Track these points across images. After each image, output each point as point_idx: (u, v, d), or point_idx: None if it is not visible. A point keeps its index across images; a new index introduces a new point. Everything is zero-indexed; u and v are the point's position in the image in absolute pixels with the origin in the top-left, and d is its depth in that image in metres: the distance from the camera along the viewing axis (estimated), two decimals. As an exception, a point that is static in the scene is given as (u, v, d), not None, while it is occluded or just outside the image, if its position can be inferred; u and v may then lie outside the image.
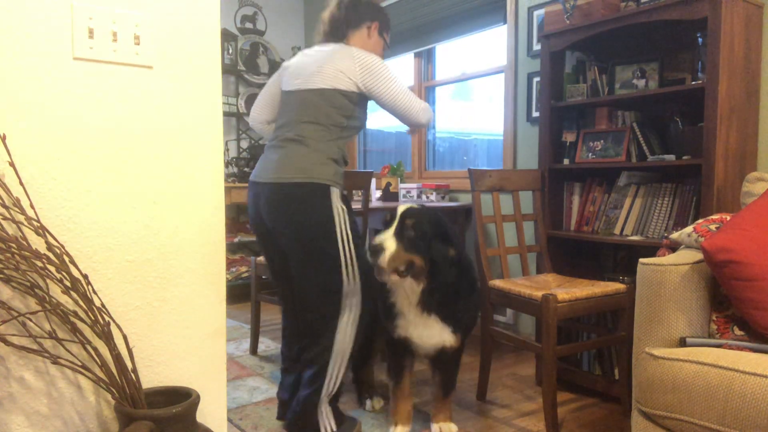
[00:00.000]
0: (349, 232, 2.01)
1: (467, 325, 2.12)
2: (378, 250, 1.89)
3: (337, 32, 2.17)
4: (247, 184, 2.21)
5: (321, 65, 2.03)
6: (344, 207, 2.03)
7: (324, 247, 1.97)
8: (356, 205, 3.16)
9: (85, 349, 1.21)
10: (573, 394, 2.54)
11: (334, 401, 2.08)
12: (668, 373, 1.46)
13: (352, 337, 2.05)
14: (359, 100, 2.07)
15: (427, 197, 3.63)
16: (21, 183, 1.17)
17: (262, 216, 2.06)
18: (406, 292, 2.03)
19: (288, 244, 2.02)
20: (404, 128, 2.42)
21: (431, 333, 2.04)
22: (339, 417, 2.09)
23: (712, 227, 1.76)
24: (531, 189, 2.68)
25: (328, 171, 1.99)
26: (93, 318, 1.20)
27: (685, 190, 2.37)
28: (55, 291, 1.20)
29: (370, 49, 2.14)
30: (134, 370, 1.26)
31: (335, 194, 2.00)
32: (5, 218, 1.15)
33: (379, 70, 2.04)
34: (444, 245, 2.00)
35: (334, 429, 2.05)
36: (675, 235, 1.86)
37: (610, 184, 2.64)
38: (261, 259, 3.09)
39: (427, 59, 4.18)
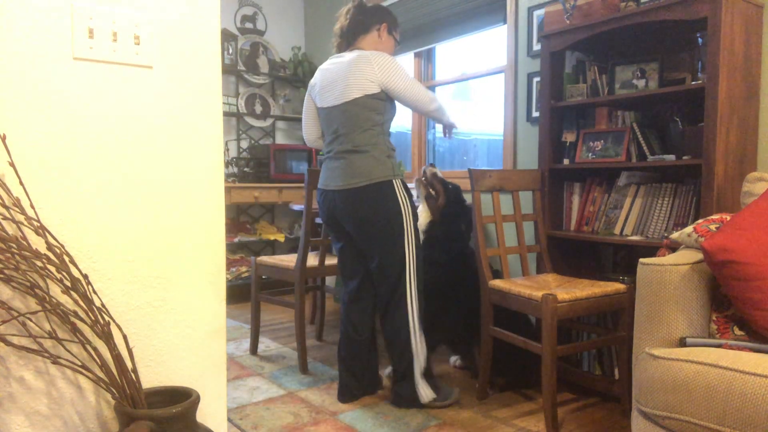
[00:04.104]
0: (412, 217, 2.37)
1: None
2: (431, 166, 2.83)
3: (350, 40, 2.44)
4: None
5: (347, 78, 2.29)
6: (407, 194, 2.37)
7: (392, 233, 2.32)
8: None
9: (85, 349, 1.21)
10: (573, 394, 2.54)
11: (428, 377, 2.37)
12: (668, 373, 1.46)
13: (420, 309, 2.37)
14: (386, 96, 2.35)
15: (427, 197, 3.62)
16: (21, 183, 1.17)
17: (336, 217, 2.40)
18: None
19: (363, 238, 2.36)
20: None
21: None
22: (435, 387, 2.39)
23: (712, 227, 1.76)
24: (531, 189, 2.68)
25: (387, 168, 2.32)
26: (93, 318, 1.20)
27: (685, 190, 2.37)
28: (55, 291, 1.20)
29: (383, 49, 2.41)
30: (134, 370, 1.26)
31: (398, 185, 2.34)
32: (5, 218, 1.15)
33: (392, 67, 2.31)
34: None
35: (435, 396, 2.36)
36: (675, 235, 1.86)
37: (610, 184, 2.64)
38: (261, 258, 3.09)
39: (427, 59, 4.18)
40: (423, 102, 2.39)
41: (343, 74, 2.31)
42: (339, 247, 2.50)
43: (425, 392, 2.35)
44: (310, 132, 2.58)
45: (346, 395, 2.47)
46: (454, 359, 2.92)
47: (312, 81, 2.50)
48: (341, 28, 2.44)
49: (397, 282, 2.34)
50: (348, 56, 2.34)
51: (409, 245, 2.34)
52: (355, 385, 2.48)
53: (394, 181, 2.33)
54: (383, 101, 2.33)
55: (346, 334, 2.49)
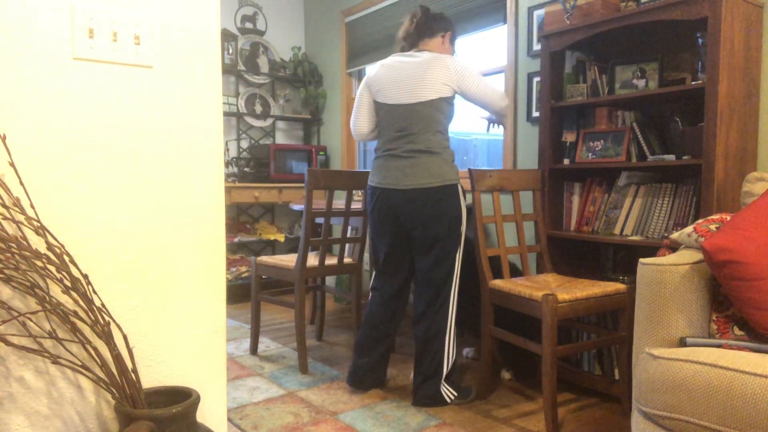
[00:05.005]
0: (466, 224, 2.44)
1: None
2: None
3: (414, 42, 2.49)
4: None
5: (422, 78, 2.33)
6: (465, 200, 2.43)
7: (452, 236, 2.37)
8: (356, 205, 3.16)
9: (85, 349, 1.21)
10: (573, 394, 2.54)
11: (448, 378, 2.43)
12: (668, 373, 1.46)
13: (456, 314, 2.45)
14: (453, 100, 2.42)
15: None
16: (21, 183, 1.17)
17: (396, 215, 2.39)
18: None
19: (424, 237, 2.37)
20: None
21: None
22: (456, 387, 2.45)
23: (712, 227, 1.76)
24: (531, 189, 2.68)
25: (455, 172, 2.38)
26: (93, 318, 1.20)
27: (685, 190, 2.37)
28: (55, 291, 1.20)
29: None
30: (134, 370, 1.26)
31: (460, 190, 2.40)
32: (5, 218, 1.15)
33: (469, 71, 2.37)
34: None
35: (456, 395, 2.43)
36: (675, 235, 1.86)
37: (610, 184, 2.64)
38: (261, 258, 3.09)
39: (427, 59, 4.17)
40: (495, 100, 2.43)
41: (417, 74, 2.33)
42: (386, 243, 2.48)
43: (449, 392, 2.42)
44: (363, 125, 2.56)
45: (356, 378, 2.54)
46: (467, 351, 2.95)
47: (372, 75, 2.49)
48: (406, 31, 2.49)
49: (442, 285, 2.39)
50: (420, 56, 2.37)
51: (460, 251, 2.42)
52: (370, 367, 2.53)
53: (458, 186, 2.38)
54: (451, 105, 2.40)
55: (372, 325, 2.52)
